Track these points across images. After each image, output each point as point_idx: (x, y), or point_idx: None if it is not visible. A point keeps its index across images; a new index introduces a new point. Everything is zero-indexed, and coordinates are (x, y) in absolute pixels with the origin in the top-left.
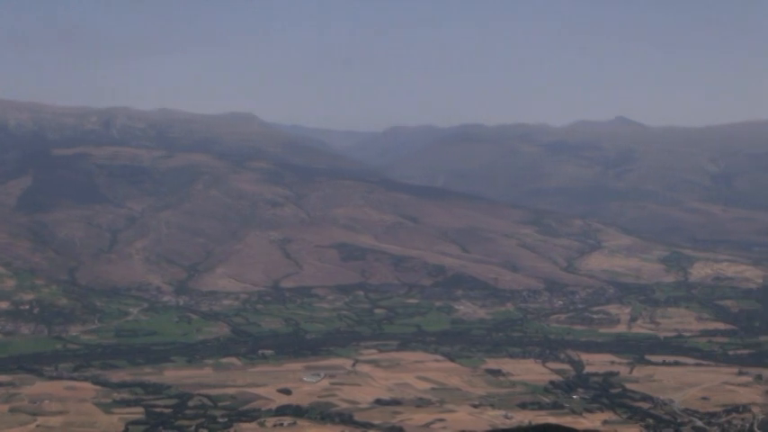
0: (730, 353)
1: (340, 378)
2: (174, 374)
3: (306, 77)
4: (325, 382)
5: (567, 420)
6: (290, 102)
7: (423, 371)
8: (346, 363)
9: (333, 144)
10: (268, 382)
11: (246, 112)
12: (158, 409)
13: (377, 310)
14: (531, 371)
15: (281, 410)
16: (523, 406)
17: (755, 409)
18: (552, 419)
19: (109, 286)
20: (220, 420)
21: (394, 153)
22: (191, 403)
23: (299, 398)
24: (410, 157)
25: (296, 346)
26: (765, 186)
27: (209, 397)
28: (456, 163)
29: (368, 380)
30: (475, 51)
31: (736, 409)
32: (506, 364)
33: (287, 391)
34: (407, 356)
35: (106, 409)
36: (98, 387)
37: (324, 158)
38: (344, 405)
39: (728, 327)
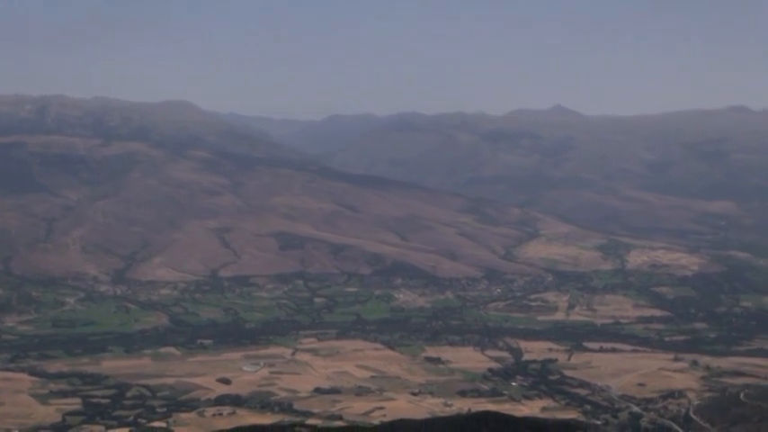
0: (666, 339)
1: (279, 367)
2: (112, 365)
3: (244, 65)
4: (265, 372)
5: (505, 407)
6: (229, 90)
7: (362, 359)
8: (286, 352)
9: (271, 132)
10: (207, 372)
11: (184, 100)
12: (96, 400)
13: (316, 299)
14: (470, 358)
15: (221, 400)
16: (463, 393)
17: (691, 395)
18: (491, 406)
19: (45, 276)
20: (159, 410)
21: (333, 141)
22: (129, 394)
23: (239, 387)
24: (349, 146)
25: (235, 335)
26: (700, 175)
27: (147, 387)
28: (395, 151)
29: (307, 368)
30: (413, 40)
31: (671, 394)
32: (445, 352)
33: (226, 381)
34: (347, 345)
35: (43, 400)
36: (35, 378)
37: (262, 147)
38: (284, 394)
39: (664, 313)
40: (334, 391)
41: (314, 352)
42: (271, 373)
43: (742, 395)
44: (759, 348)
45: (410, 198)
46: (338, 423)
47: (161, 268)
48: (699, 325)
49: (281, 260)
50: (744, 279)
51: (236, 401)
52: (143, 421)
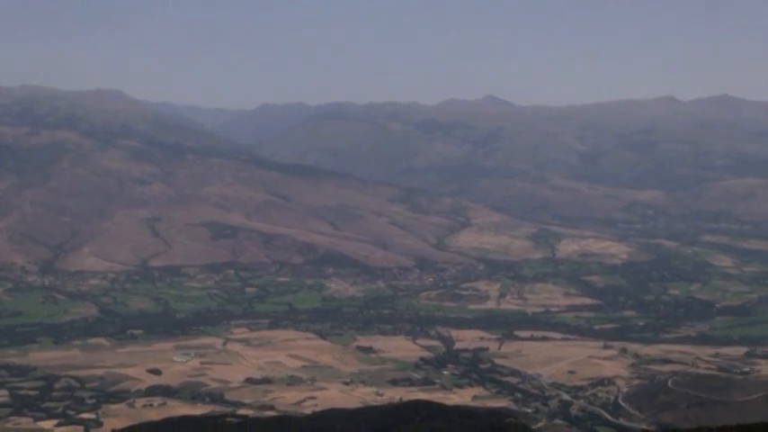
0: (596, 327)
1: (210, 357)
2: (40, 356)
3: (175, 54)
4: (196, 362)
5: (437, 396)
6: (160, 79)
7: (294, 349)
8: (217, 342)
9: (202, 122)
10: (137, 363)
11: (114, 89)
12: (24, 392)
13: (248, 289)
14: (401, 348)
15: (151, 391)
16: (394, 382)
17: (620, 382)
18: (423, 395)
19: None
20: (88, 402)
21: (264, 131)
22: (57, 385)
23: (169, 378)
24: (281, 135)
25: (166, 325)
26: (629, 165)
27: (76, 378)
28: (327, 141)
29: (239, 359)
30: (344, 29)
31: (601, 382)
32: (377, 341)
33: (157, 372)
34: (278, 335)
35: None
36: None
37: (193, 136)
38: (215, 384)
39: (594, 302)
40: (265, 381)
41: (245, 342)
42: (202, 363)
43: (670, 382)
44: (686, 336)
45: (342, 187)
46: (270, 413)
47: (90, 258)
48: (628, 313)
49: (212, 250)
50: (672, 267)
51: (166, 392)
52: (72, 413)
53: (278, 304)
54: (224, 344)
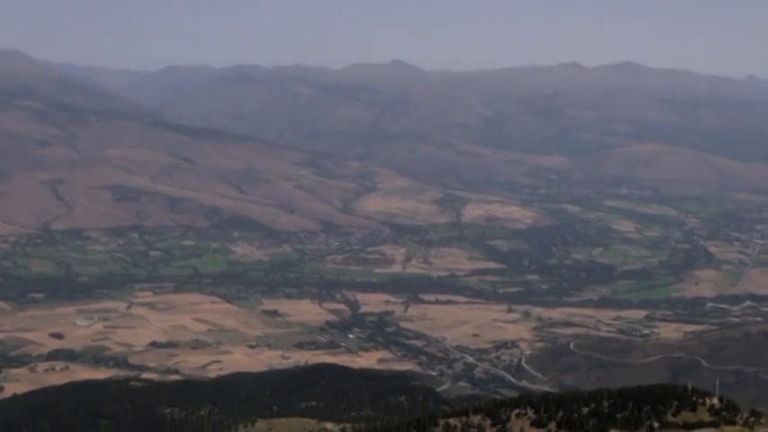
0: (500, 291)
1: (114, 321)
2: None
3: (76, 12)
4: (99, 326)
5: (343, 359)
6: (62, 38)
7: (199, 313)
8: (120, 306)
9: (106, 83)
10: (39, 327)
11: (13, 48)
12: None
13: (152, 252)
14: (307, 311)
15: (53, 355)
16: (300, 346)
17: (523, 345)
18: (329, 359)
19: None
20: None
21: (169, 93)
22: None
23: (72, 342)
24: (186, 98)
25: (68, 289)
26: (533, 130)
27: None
28: (233, 104)
29: (143, 322)
30: None
31: (505, 345)
32: (283, 305)
33: (59, 336)
34: (183, 298)
35: None
36: None
37: (96, 98)
38: (119, 348)
39: (499, 266)
40: (170, 345)
41: (150, 306)
42: (105, 327)
43: (572, 345)
44: (588, 299)
45: (248, 151)
46: (174, 377)
47: None
48: (531, 277)
49: (115, 213)
50: (575, 232)
51: (69, 356)
52: None
53: (183, 268)
54: (128, 308)
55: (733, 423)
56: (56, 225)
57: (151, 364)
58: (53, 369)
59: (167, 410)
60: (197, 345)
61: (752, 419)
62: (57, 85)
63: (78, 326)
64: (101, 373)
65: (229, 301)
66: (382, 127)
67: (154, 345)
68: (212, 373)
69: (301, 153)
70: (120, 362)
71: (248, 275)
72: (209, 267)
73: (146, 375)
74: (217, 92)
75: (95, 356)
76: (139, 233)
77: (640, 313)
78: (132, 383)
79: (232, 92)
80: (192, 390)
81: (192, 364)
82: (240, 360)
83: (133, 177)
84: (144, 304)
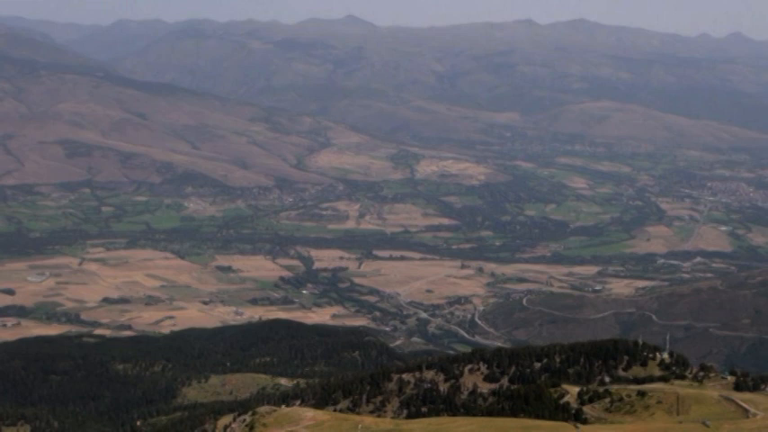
0: (454, 247)
1: (66, 277)
2: None
3: None
4: (51, 282)
5: (296, 315)
6: None
7: (152, 269)
8: (72, 261)
9: (56, 37)
10: None
11: None
12: None
13: (104, 208)
14: (261, 267)
15: (4, 311)
16: (254, 302)
17: (476, 301)
18: (282, 315)
19: None
20: None
21: (121, 47)
22: None
23: (23, 298)
24: (138, 52)
25: (19, 245)
26: (487, 87)
27: None
28: (186, 59)
29: (95, 278)
30: None
31: (458, 300)
32: (237, 261)
33: (10, 292)
34: (136, 254)
35: None
36: None
37: (46, 52)
38: (71, 304)
39: (452, 222)
40: (122, 300)
41: (102, 262)
42: (57, 283)
43: (525, 301)
44: (541, 255)
45: (201, 106)
46: (127, 333)
47: None
48: (485, 233)
49: (66, 168)
50: (528, 188)
51: (20, 312)
52: None
53: (135, 224)
54: (80, 264)
55: (683, 378)
56: (6, 180)
57: (103, 320)
58: (4, 325)
59: (120, 366)
60: (150, 301)
61: (701, 374)
62: (5, 39)
63: (30, 282)
64: (53, 330)
65: (182, 257)
66: (336, 83)
67: (106, 301)
68: (165, 328)
69: (255, 109)
70: (72, 318)
71: (201, 231)
72: (161, 223)
73: (98, 331)
74: (169, 47)
75: (47, 312)
76: (91, 189)
77: (592, 269)
78: (85, 339)
79: (185, 47)
80: (145, 346)
81: (145, 320)
82: (193, 316)
83: (84, 132)
84: (96, 260)
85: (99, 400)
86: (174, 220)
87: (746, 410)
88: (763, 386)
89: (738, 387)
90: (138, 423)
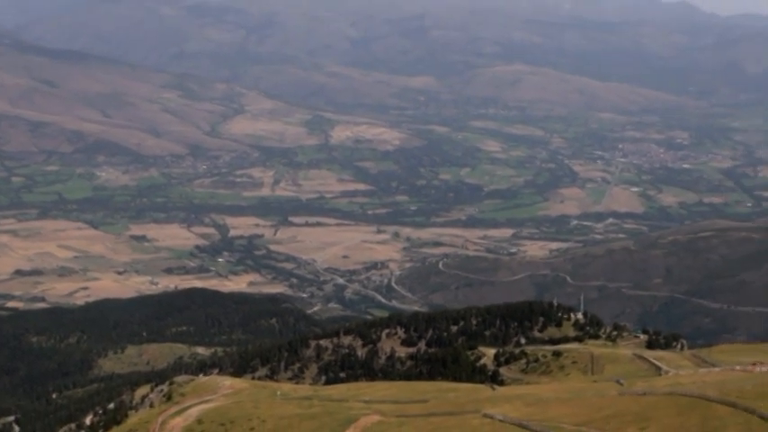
0: (369, 212)
1: None
2: None
3: None
4: None
5: (212, 283)
6: None
7: (64, 239)
8: None
9: None
10: None
11: None
12: None
13: (14, 179)
14: (176, 236)
15: None
16: (169, 271)
17: (393, 265)
18: (198, 283)
19: None
20: None
21: (28, 13)
22: None
23: None
24: (46, 19)
25: None
26: (401, 51)
27: None
28: (96, 25)
29: (6, 250)
30: None
31: (374, 265)
32: (151, 230)
33: None
34: (48, 225)
35: None
36: None
37: None
38: None
39: (368, 187)
40: (35, 272)
41: (13, 233)
42: None
43: (441, 264)
44: (457, 219)
45: (112, 74)
46: (41, 305)
47: None
48: (400, 198)
49: None
50: (443, 153)
51: None
52: None
53: (47, 194)
54: None
55: (597, 337)
56: None
57: (16, 293)
58: None
59: (34, 339)
60: (63, 272)
61: (614, 333)
62: None
63: None
64: None
65: (96, 227)
66: (249, 49)
67: (18, 273)
68: (80, 300)
69: (167, 76)
70: None
71: (114, 201)
72: (73, 193)
73: (11, 304)
74: (79, 13)
75: None
76: (0, 159)
77: (507, 232)
78: None
79: (96, 12)
80: (60, 317)
81: (59, 291)
82: (108, 286)
83: None
84: (7, 232)
85: (13, 373)
86: (87, 189)
87: (659, 368)
88: (674, 344)
89: (651, 345)
90: (54, 396)
